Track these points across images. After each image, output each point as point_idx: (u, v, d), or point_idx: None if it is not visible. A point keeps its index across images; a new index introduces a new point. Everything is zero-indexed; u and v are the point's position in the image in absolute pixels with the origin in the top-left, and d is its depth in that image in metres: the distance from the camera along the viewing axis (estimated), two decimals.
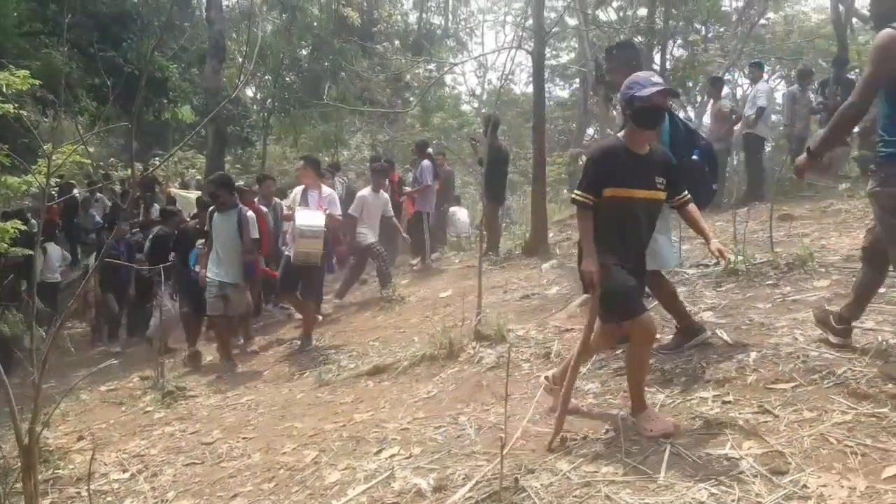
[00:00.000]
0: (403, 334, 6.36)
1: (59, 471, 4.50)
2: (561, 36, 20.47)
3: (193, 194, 13.81)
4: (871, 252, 3.63)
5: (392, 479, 3.31)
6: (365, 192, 8.64)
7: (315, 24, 18.39)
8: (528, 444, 3.34)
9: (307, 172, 7.12)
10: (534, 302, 6.10)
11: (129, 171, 15.68)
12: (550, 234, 9.40)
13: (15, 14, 12.37)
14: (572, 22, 17.39)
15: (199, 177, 17.54)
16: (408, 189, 10.44)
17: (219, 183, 6.97)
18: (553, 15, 13.96)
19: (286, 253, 7.14)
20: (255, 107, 20.65)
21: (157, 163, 13.27)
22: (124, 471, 4.35)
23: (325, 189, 7.20)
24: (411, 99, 19.56)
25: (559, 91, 24.70)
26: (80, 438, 5.35)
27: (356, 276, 9.00)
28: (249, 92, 21.53)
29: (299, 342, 6.90)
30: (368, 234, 8.39)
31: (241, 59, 21.56)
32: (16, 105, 5.14)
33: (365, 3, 21.09)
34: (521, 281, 7.11)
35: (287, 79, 18.67)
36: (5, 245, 5.20)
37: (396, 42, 21.59)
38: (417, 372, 5.12)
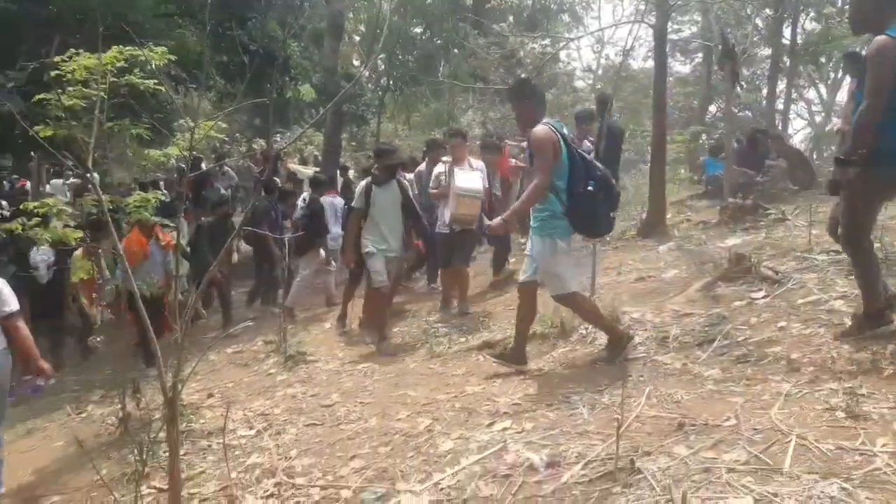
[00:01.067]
0: (513, 311, 6.37)
1: (192, 424, 4.85)
2: (683, 9, 19.63)
3: (311, 170, 14.34)
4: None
5: (504, 451, 3.36)
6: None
7: (429, 1, 18.53)
8: (643, 427, 3.29)
9: (460, 146, 7.14)
10: (650, 285, 5.97)
11: (251, 147, 16.31)
12: (668, 216, 9.11)
13: None
14: None
15: (316, 153, 18.18)
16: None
17: (376, 154, 7.00)
18: None
19: (439, 231, 7.18)
20: (369, 85, 21.09)
21: (284, 139, 13.81)
22: (250, 427, 4.62)
23: (476, 162, 7.24)
24: (524, 76, 19.36)
25: (680, 66, 23.73)
26: (210, 396, 5.73)
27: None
28: (363, 70, 22.02)
29: (455, 310, 6.97)
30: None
31: (357, 38, 22.10)
32: (155, 81, 5.48)
33: None
34: (637, 263, 6.96)
35: (401, 57, 18.94)
36: (148, 214, 5.62)
37: (510, 18, 21.41)
38: (528, 349, 5.12)
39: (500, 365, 4.75)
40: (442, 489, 3.12)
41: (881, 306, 3.73)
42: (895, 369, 3.31)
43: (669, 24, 11.87)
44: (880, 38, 3.45)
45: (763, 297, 4.89)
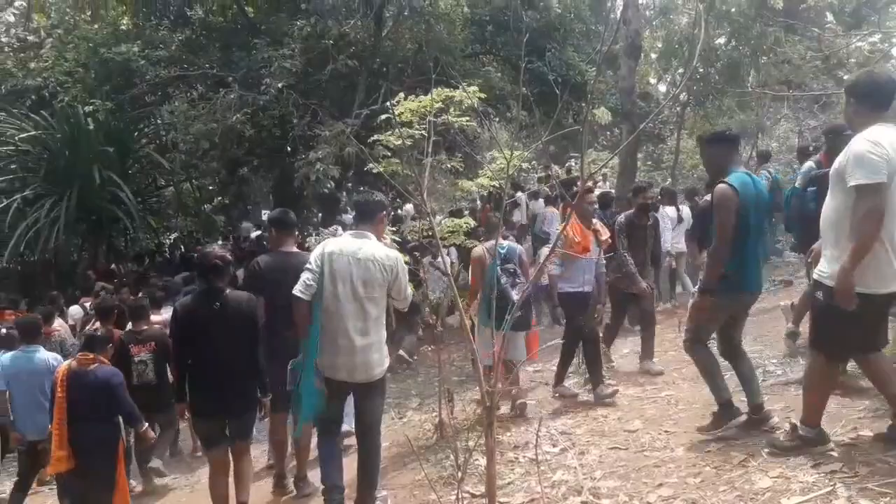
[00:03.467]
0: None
1: (500, 437, 5.12)
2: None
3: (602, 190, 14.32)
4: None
5: (833, 495, 3.04)
6: None
7: (734, 9, 17.49)
8: None
9: None
10: None
11: (548, 174, 16.77)
12: None
13: (460, 38, 14.33)
14: None
15: (612, 177, 18.12)
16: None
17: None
18: None
19: None
20: (666, 101, 20.50)
21: (575, 164, 14.04)
22: (554, 445, 4.75)
23: None
24: (846, 78, 17.29)
25: None
26: (512, 410, 6.01)
27: None
28: (662, 88, 21.49)
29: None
30: None
31: (653, 56, 21.67)
32: (468, 119, 6.00)
33: None
34: None
35: (701, 70, 18.12)
36: (463, 237, 6.15)
37: (829, 16, 19.30)
38: (861, 384, 4.55)
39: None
40: None
41: (729, 398, 4.25)
42: None
43: None
44: (720, 186, 4.07)
45: None
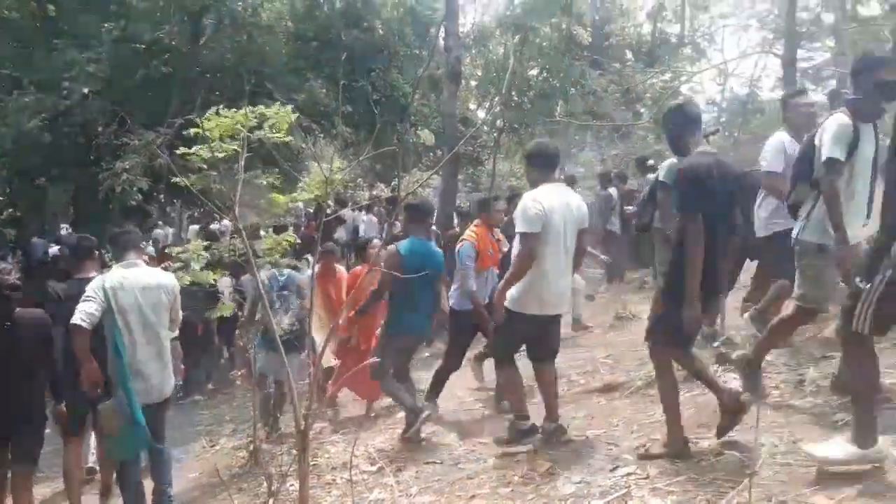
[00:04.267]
0: (636, 353, 6.20)
1: (317, 459, 5.02)
2: (814, 36, 18.77)
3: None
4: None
5: (628, 497, 3.27)
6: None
7: (545, 43, 18.71)
8: (777, 475, 3.11)
9: None
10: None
11: (372, 192, 16.85)
12: None
13: (283, 52, 14.12)
14: (828, 19, 15.87)
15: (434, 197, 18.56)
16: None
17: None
18: (804, 15, 12.89)
19: None
20: (484, 127, 21.44)
21: (403, 183, 14.26)
22: (372, 464, 4.72)
23: None
24: (643, 111, 19.09)
25: (812, 94, 22.52)
26: (334, 431, 5.92)
27: None
28: (481, 113, 22.41)
29: None
30: None
31: (473, 83, 22.58)
32: (284, 134, 5.86)
33: (597, 17, 21.04)
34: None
35: (516, 98, 19.18)
36: (278, 256, 5.97)
37: (629, 54, 21.23)
38: (652, 393, 4.96)
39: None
40: None
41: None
42: None
43: (799, 51, 11.40)
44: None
45: None
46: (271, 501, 3.82)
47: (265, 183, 6.97)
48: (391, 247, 5.19)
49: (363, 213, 13.58)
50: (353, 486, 3.90)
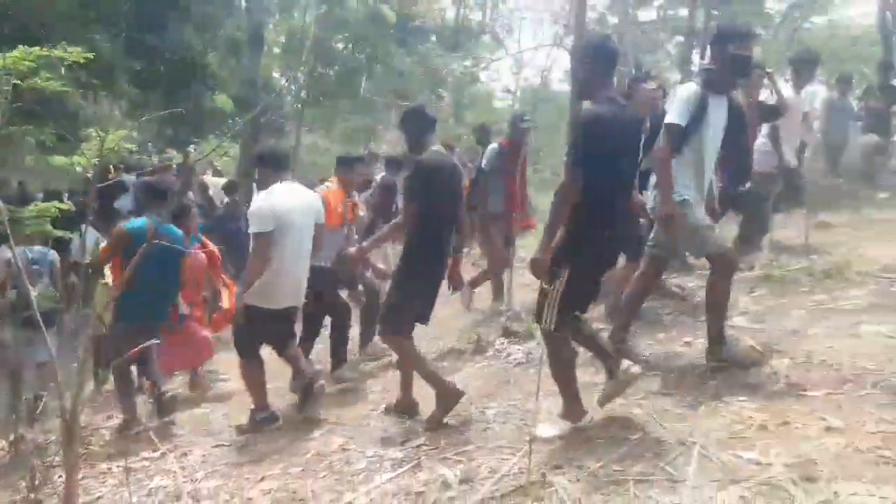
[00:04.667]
0: (432, 328, 6.36)
1: (92, 447, 4.61)
2: (599, 34, 20.32)
3: (221, 180, 13.97)
4: None
5: (419, 468, 3.35)
6: None
7: (351, 18, 18.52)
8: (554, 441, 3.34)
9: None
10: None
11: (167, 158, 15.75)
12: None
13: (63, 1, 12.61)
14: (613, 20, 17.28)
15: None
16: None
17: None
18: (593, 14, 13.93)
19: None
20: (289, 97, 20.84)
21: (199, 150, 13.42)
22: (154, 450, 4.42)
23: None
24: (444, 95, 19.60)
25: None
26: (110, 417, 5.45)
27: None
28: (284, 82, 21.74)
29: None
30: None
31: (276, 50, 21.82)
32: (63, 83, 5.21)
33: None
34: None
35: (322, 71, 18.83)
36: (49, 226, 5.33)
37: (433, 37, 21.64)
38: (444, 365, 5.13)
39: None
40: None
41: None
42: (789, 384, 3.48)
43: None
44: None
45: (668, 314, 5.07)
46: (33, 496, 3.44)
47: (36, 141, 6.21)
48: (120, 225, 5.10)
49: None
50: (129, 473, 3.61)
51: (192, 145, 19.15)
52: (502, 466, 3.13)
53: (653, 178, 4.15)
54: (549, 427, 3.50)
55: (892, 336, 3.84)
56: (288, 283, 4.46)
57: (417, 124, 4.19)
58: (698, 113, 3.72)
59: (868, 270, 5.11)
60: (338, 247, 5.33)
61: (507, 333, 5.21)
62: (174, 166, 14.41)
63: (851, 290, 4.77)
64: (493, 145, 6.53)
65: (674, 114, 3.75)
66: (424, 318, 4.18)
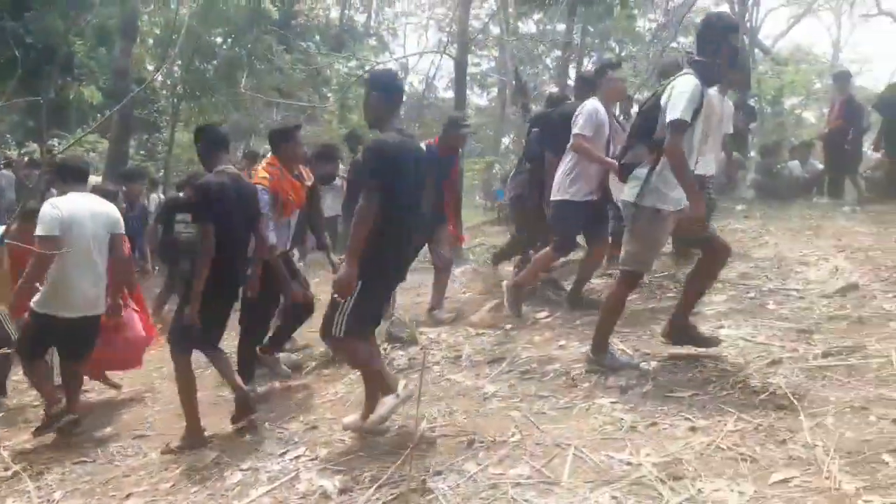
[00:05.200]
0: (311, 335, 6.24)
1: None
2: (482, 44, 20.76)
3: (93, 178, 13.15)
4: None
5: (297, 480, 3.26)
6: None
7: (231, 11, 17.88)
8: (434, 446, 3.35)
9: None
10: (446, 305, 6.13)
11: (29, 151, 14.63)
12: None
13: None
14: (495, 31, 17.68)
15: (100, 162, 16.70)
16: None
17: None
18: (475, 23, 14.19)
19: None
20: (163, 91, 19.85)
21: (59, 144, 12.52)
22: (6, 469, 4.09)
23: None
24: (329, 95, 19.32)
25: (476, 98, 25.03)
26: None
27: None
28: (158, 76, 20.70)
29: None
30: None
31: (150, 41, 20.75)
32: None
33: None
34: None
35: (199, 65, 18.06)
36: None
37: (317, 36, 21.29)
38: (326, 373, 5.05)
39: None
40: None
41: None
42: (656, 385, 3.67)
43: (469, 57, 12.48)
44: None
45: (546, 317, 5.24)
46: None
47: None
48: None
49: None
50: None
51: (55, 139, 17.89)
52: (383, 474, 3.10)
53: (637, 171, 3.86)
54: (354, 417, 3.79)
55: (749, 339, 4.13)
56: (77, 292, 4.42)
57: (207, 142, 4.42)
58: (698, 108, 3.64)
59: (727, 278, 5.47)
60: (289, 235, 5.02)
61: (391, 339, 5.18)
62: (34, 159, 13.42)
63: (713, 296, 5.09)
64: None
65: (679, 110, 3.56)
66: None
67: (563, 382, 3.90)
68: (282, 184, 4.77)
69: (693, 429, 3.13)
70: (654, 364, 3.92)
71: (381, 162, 3.43)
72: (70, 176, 4.67)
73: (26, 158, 13.38)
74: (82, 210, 4.45)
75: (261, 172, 4.84)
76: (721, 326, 4.45)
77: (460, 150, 6.49)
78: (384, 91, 3.66)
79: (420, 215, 3.89)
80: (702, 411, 3.30)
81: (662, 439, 3.06)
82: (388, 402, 3.54)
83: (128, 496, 3.42)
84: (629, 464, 2.87)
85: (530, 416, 3.50)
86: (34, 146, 17.29)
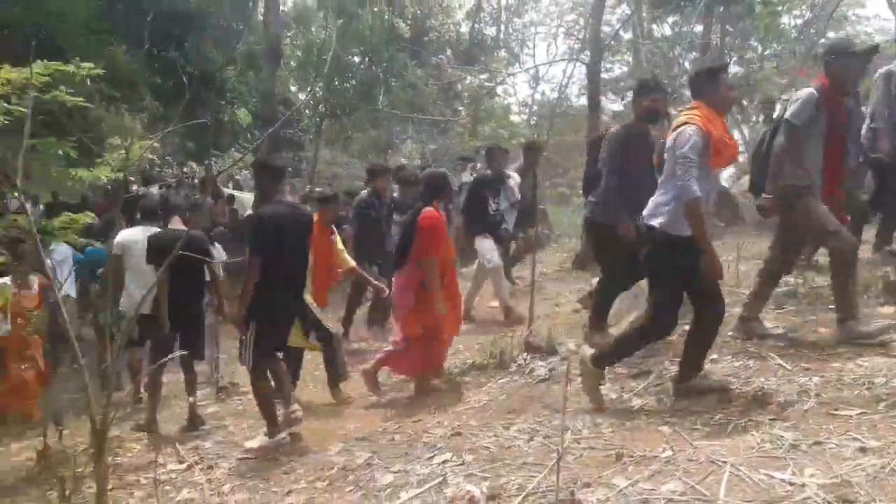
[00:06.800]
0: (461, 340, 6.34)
1: (119, 458, 4.64)
2: (614, 49, 20.37)
3: (248, 195, 14.15)
4: None
5: (445, 484, 3.33)
6: None
7: (368, 31, 18.64)
8: (582, 458, 3.33)
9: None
10: (585, 316, 6.05)
11: (187, 170, 15.83)
12: None
13: (82, 13, 12.76)
14: (627, 35, 17.31)
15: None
16: None
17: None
18: (606, 28, 13.95)
19: None
20: (307, 111, 20.95)
21: (218, 163, 13.51)
22: (181, 462, 4.45)
23: None
24: (460, 108, 19.66)
25: (611, 104, 24.53)
26: (138, 428, 5.49)
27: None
28: (302, 96, 21.88)
29: None
30: None
31: (293, 64, 21.99)
32: (83, 99, 5.27)
33: (419, 12, 21.29)
34: (573, 294, 7.07)
35: (339, 84, 18.93)
36: (75, 236, 5.39)
37: (448, 51, 21.74)
38: (467, 381, 5.14)
39: None
40: None
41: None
42: (819, 402, 3.45)
43: (602, 63, 12.30)
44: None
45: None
46: None
47: (58, 153, 6.30)
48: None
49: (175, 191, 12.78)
50: (157, 485, 3.63)
51: (212, 158, 19.34)
52: (529, 483, 3.12)
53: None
54: (256, 441, 4.41)
55: None
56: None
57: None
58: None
59: None
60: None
61: (530, 349, 5.20)
62: (195, 179, 14.58)
63: (881, 308, 4.72)
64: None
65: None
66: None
67: (716, 398, 3.75)
68: (715, 124, 3.74)
69: (863, 449, 2.92)
70: (815, 380, 3.69)
71: (265, 228, 4.35)
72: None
73: (188, 178, 14.56)
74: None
75: (685, 114, 3.82)
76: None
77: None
78: (266, 173, 4.71)
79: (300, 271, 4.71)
80: (872, 431, 3.07)
81: (828, 459, 2.87)
82: (260, 440, 4.40)
83: (288, 492, 3.63)
84: (792, 484, 2.72)
85: (682, 431, 3.40)
86: (194, 166, 18.79)
